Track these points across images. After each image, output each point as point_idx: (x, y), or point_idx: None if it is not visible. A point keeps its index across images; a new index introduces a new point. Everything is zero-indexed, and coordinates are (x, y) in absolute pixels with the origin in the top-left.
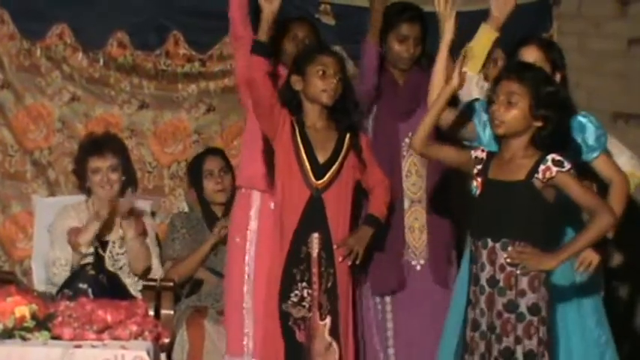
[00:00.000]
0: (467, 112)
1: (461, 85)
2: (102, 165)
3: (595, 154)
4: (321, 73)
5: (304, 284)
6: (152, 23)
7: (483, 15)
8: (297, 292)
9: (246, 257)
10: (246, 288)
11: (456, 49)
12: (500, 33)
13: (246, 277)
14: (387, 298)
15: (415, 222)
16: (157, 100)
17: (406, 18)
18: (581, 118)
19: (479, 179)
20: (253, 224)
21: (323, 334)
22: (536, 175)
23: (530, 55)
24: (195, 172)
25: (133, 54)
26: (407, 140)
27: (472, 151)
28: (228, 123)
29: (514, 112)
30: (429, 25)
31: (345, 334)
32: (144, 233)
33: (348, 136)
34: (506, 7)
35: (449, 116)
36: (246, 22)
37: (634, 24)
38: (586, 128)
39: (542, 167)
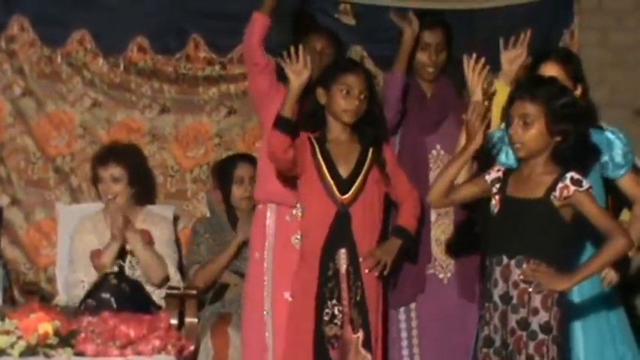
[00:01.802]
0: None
1: (483, 144)
2: (104, 175)
3: (622, 172)
4: (344, 92)
5: (334, 301)
6: (172, 27)
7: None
8: (327, 310)
9: (265, 273)
10: (266, 305)
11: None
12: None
13: (265, 293)
14: (413, 313)
15: (442, 235)
16: (177, 104)
17: (426, 25)
18: (609, 135)
19: (497, 197)
20: (270, 239)
21: (357, 347)
22: (553, 193)
23: (551, 71)
24: (224, 175)
25: (153, 58)
26: (434, 152)
27: (486, 176)
28: (249, 126)
29: (531, 132)
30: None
31: (375, 346)
32: (150, 242)
33: (370, 150)
34: (517, 60)
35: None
36: (263, 50)
37: None
38: (614, 145)
39: (560, 185)
